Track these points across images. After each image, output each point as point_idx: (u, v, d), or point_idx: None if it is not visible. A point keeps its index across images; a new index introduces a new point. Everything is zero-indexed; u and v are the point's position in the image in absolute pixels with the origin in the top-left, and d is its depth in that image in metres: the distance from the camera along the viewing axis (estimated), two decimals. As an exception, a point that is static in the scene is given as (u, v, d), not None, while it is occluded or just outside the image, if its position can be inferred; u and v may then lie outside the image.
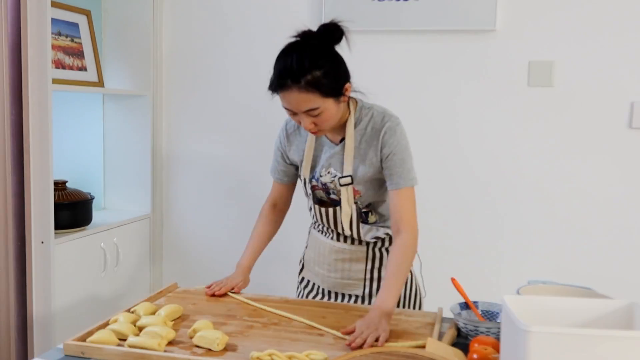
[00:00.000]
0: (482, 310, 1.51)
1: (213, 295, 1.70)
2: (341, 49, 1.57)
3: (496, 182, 2.50)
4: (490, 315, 1.50)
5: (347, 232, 1.67)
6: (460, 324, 1.42)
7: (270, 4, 2.69)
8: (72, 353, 1.29)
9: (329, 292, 1.77)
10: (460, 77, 2.50)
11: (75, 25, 2.59)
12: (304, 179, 1.71)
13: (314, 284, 1.81)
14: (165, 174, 2.91)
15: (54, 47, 2.42)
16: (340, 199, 1.64)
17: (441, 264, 2.57)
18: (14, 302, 2.19)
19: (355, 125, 1.62)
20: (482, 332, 1.37)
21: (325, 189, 1.67)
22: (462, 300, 1.51)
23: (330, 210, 1.67)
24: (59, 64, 2.47)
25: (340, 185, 1.62)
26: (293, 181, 1.82)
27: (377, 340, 1.35)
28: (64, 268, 2.28)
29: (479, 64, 2.48)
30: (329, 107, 1.50)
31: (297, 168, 1.77)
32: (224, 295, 1.70)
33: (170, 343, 1.34)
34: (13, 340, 2.20)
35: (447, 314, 1.61)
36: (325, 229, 1.75)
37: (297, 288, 1.88)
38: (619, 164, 2.38)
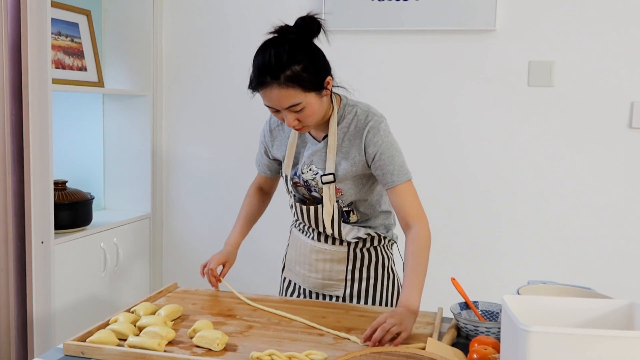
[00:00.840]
0: (482, 310, 1.51)
1: (212, 281, 1.74)
2: (320, 43, 1.55)
3: (496, 181, 2.50)
4: (490, 315, 1.50)
5: (329, 231, 1.65)
6: (460, 324, 1.42)
7: (270, 4, 2.69)
8: (72, 353, 1.29)
9: (310, 292, 1.76)
10: (460, 77, 2.50)
11: (75, 25, 2.59)
12: (286, 176, 1.69)
13: (295, 284, 1.80)
14: (165, 174, 2.91)
15: (54, 47, 2.42)
16: (322, 196, 1.63)
17: (441, 264, 2.57)
18: (14, 302, 2.19)
19: (339, 123, 1.60)
20: (482, 332, 1.37)
21: (307, 186, 1.66)
22: (462, 300, 1.51)
23: (312, 208, 1.65)
24: (59, 64, 2.47)
25: (323, 182, 1.60)
26: (276, 174, 1.83)
27: (397, 335, 1.33)
28: (64, 268, 2.28)
29: (479, 64, 2.48)
30: (312, 102, 1.47)
31: (280, 164, 1.76)
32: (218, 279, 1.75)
33: (170, 343, 1.34)
34: (13, 340, 2.20)
35: (447, 314, 1.61)
36: (306, 228, 1.74)
37: (280, 288, 1.87)
38: (619, 164, 2.38)
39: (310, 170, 1.64)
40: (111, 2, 2.79)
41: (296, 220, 1.78)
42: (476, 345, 1.24)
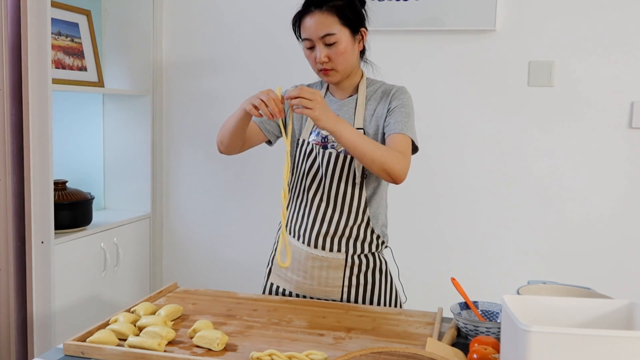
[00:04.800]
0: (482, 310, 1.51)
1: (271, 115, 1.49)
2: None
3: (496, 182, 2.50)
4: (490, 315, 1.49)
5: (349, 192, 1.65)
6: (460, 324, 1.42)
7: (269, 4, 2.69)
8: (72, 353, 1.29)
9: (304, 297, 1.72)
10: (460, 77, 2.50)
11: (75, 25, 2.59)
12: (302, 141, 1.69)
13: (284, 290, 1.75)
14: (165, 174, 2.91)
15: (54, 47, 2.42)
16: (338, 151, 1.64)
17: (441, 264, 2.58)
18: (14, 302, 2.19)
19: (367, 87, 1.72)
20: (482, 332, 1.37)
21: (324, 143, 1.67)
22: (462, 300, 1.51)
23: (341, 155, 1.63)
24: (59, 64, 2.47)
25: None
26: (265, 133, 1.74)
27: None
28: (64, 268, 2.28)
29: (479, 64, 2.48)
30: (345, 39, 1.60)
31: (279, 129, 1.74)
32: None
33: (170, 343, 1.34)
34: (13, 340, 2.20)
35: (447, 314, 1.61)
36: (306, 213, 1.69)
37: (264, 293, 1.80)
38: (619, 164, 2.38)
39: None
40: (111, 2, 2.79)
41: (301, 196, 1.72)
42: (476, 345, 1.24)
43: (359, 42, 1.67)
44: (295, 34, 1.67)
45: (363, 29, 1.66)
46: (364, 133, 1.65)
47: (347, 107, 1.69)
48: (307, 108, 1.44)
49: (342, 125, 1.49)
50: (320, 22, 1.58)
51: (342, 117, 1.67)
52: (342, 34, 1.59)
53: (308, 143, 1.69)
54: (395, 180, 1.55)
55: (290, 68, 2.65)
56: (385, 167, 1.51)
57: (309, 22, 1.59)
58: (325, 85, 1.76)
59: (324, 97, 1.74)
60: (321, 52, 1.60)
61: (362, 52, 1.74)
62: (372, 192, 1.69)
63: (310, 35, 1.60)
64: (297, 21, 1.64)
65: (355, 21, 1.63)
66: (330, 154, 1.65)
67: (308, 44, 1.62)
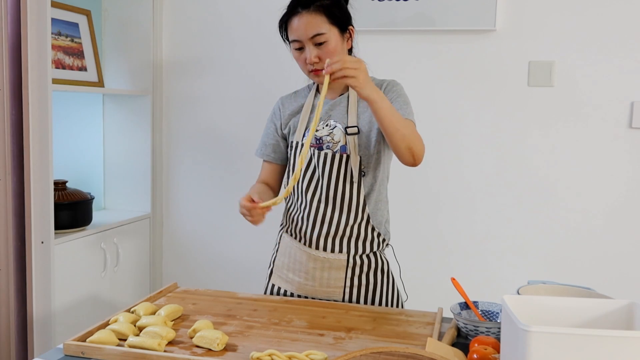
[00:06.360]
0: (482, 310, 1.51)
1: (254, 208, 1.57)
2: None
3: (496, 182, 2.50)
4: (490, 315, 1.49)
5: (347, 191, 1.65)
6: (460, 324, 1.42)
7: (269, 4, 2.69)
8: (72, 353, 1.29)
9: (305, 297, 1.72)
10: (460, 77, 2.50)
11: (75, 25, 2.59)
12: (296, 143, 1.69)
13: (285, 291, 1.75)
14: (165, 174, 2.91)
15: (54, 47, 2.42)
16: (334, 152, 1.64)
17: (441, 264, 2.58)
18: (14, 302, 2.19)
19: None
20: (482, 332, 1.37)
21: (319, 144, 1.67)
22: (462, 300, 1.51)
23: (337, 155, 1.64)
24: (59, 64, 2.47)
25: (348, 134, 1.64)
26: (281, 161, 1.78)
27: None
28: (64, 268, 2.28)
29: (479, 64, 2.48)
30: (334, 38, 1.59)
31: (286, 144, 1.76)
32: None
33: (170, 343, 1.34)
34: (13, 340, 2.20)
35: (447, 314, 1.61)
36: (306, 214, 1.69)
37: (265, 294, 1.79)
38: (619, 164, 2.38)
39: (327, 125, 1.67)
40: (111, 2, 2.79)
41: (295, 203, 1.73)
42: (476, 345, 1.24)
43: (347, 41, 1.67)
44: (282, 36, 1.67)
45: (351, 27, 1.67)
46: (358, 131, 1.64)
47: (339, 106, 1.68)
48: (350, 77, 1.43)
49: (381, 97, 1.47)
50: (308, 23, 1.57)
51: (334, 117, 1.68)
52: (331, 33, 1.59)
53: (302, 145, 1.68)
54: (416, 161, 1.54)
55: (289, 67, 2.64)
56: (411, 145, 1.51)
57: (297, 23, 1.58)
58: (314, 86, 1.76)
59: (314, 97, 1.74)
60: (311, 52, 1.59)
61: (350, 51, 1.73)
62: (369, 189, 1.69)
63: (299, 36, 1.59)
64: (284, 23, 1.64)
65: (343, 19, 1.63)
66: (326, 154, 1.65)
67: (297, 45, 1.61)
